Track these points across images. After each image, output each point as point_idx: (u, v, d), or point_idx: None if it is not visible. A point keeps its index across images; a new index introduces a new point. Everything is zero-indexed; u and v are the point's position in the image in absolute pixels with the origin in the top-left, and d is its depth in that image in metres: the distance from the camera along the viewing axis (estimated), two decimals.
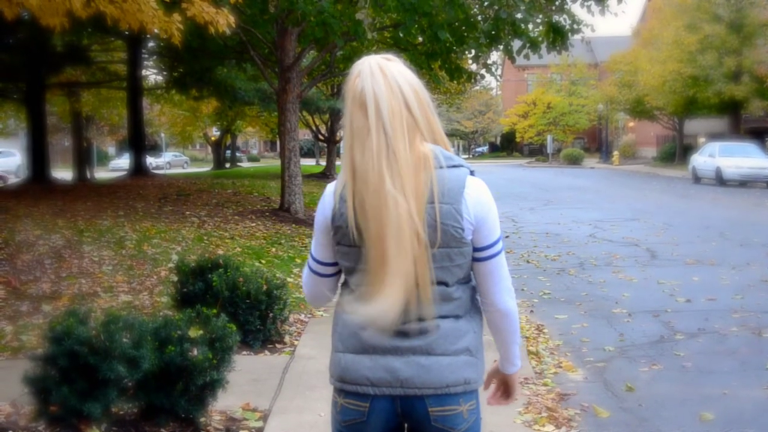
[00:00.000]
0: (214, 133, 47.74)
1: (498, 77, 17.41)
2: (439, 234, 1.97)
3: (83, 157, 30.08)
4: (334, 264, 2.15)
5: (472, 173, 2.06)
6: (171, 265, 8.40)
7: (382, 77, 1.99)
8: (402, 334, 2.03)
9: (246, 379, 5.28)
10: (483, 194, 2.04)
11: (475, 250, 2.04)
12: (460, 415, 2.05)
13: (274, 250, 10.61)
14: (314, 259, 2.17)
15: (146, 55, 25.50)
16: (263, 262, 9.50)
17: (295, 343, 6.38)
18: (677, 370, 5.92)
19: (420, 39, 14.19)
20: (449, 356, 2.04)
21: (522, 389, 5.36)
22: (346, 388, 2.09)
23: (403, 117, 1.97)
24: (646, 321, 7.46)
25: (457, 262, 2.02)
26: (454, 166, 2.02)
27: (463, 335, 2.06)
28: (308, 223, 13.94)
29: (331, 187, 2.10)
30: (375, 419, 2.08)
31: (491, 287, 2.09)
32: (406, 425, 2.13)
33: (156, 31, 6.72)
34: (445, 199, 1.97)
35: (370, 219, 1.95)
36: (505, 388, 2.35)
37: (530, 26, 13.43)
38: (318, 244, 2.14)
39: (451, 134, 79.73)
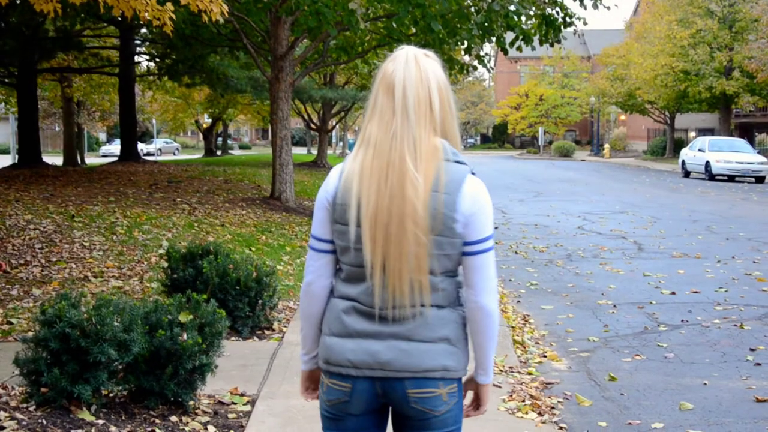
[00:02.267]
0: (206, 120, 47.64)
1: (490, 69, 17.46)
2: (438, 222, 2.06)
3: (74, 143, 29.97)
4: (331, 241, 2.20)
5: (473, 174, 2.15)
6: (161, 251, 8.45)
7: (415, 66, 2.11)
8: (384, 319, 2.11)
9: (234, 364, 5.35)
10: (479, 191, 2.11)
11: (466, 243, 2.10)
12: (438, 397, 2.12)
13: (264, 237, 10.66)
14: (313, 237, 2.24)
15: (139, 42, 25.43)
16: (253, 249, 9.56)
17: (284, 329, 6.45)
18: (660, 360, 6.02)
19: (413, 30, 14.22)
20: (428, 343, 2.11)
21: (507, 378, 5.45)
22: (330, 369, 2.18)
23: (427, 107, 2.10)
24: (631, 312, 7.57)
25: (446, 251, 2.09)
26: (458, 162, 2.12)
27: (445, 325, 2.13)
28: (298, 211, 13.99)
29: (338, 167, 2.20)
30: (357, 399, 2.17)
31: (477, 283, 2.13)
32: (391, 408, 2.21)
33: (149, 18, 6.73)
34: (446, 189, 2.06)
35: (385, 196, 2.05)
36: (476, 400, 2.32)
37: (523, 19, 13.49)
38: (317, 222, 2.22)
39: None
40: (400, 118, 2.07)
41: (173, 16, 6.85)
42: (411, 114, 2.07)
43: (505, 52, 14.09)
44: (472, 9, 13.28)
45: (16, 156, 25.15)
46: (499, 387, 5.19)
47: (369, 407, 2.19)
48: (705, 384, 5.42)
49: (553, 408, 4.93)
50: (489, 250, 2.12)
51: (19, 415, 3.83)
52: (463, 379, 2.24)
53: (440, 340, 2.12)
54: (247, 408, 4.57)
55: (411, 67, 2.11)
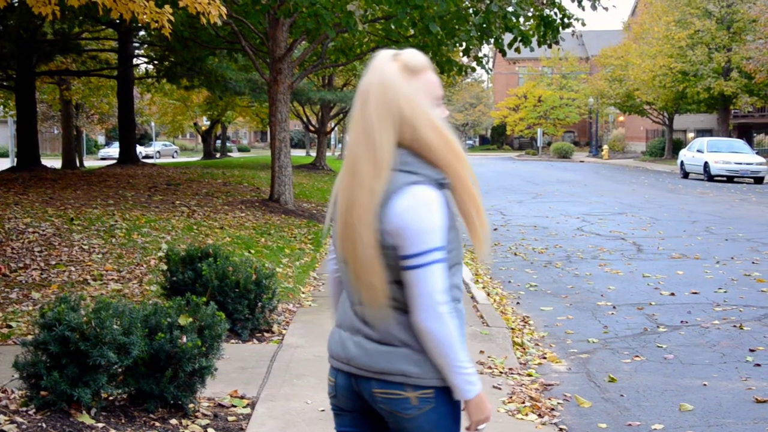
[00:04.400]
0: (205, 123, 47.63)
1: (489, 70, 17.47)
2: (376, 232, 2.05)
3: (73, 146, 29.96)
4: None
5: (441, 185, 2.06)
6: (160, 254, 8.45)
7: (381, 73, 2.08)
8: (358, 316, 2.15)
9: (234, 366, 5.35)
10: (413, 205, 2.01)
11: (399, 258, 2.04)
12: (407, 400, 2.08)
13: (263, 240, 10.66)
14: None
15: (137, 44, 25.43)
16: (252, 252, 9.56)
17: (283, 332, 6.45)
18: (659, 361, 6.02)
19: (411, 32, 14.22)
20: (388, 345, 2.08)
21: (506, 379, 5.45)
22: (328, 359, 2.26)
23: (390, 115, 2.05)
24: (631, 314, 7.57)
25: (386, 261, 2.06)
26: (406, 172, 2.05)
27: (405, 329, 2.08)
28: (297, 213, 13.99)
29: None
30: (341, 394, 2.20)
31: (409, 299, 2.05)
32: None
33: (147, 21, 6.73)
34: (380, 200, 2.04)
35: (348, 200, 2.08)
36: None
37: (521, 20, 13.49)
38: None
39: None
40: (362, 126, 2.06)
41: (171, 19, 6.86)
42: (373, 122, 2.04)
43: (504, 54, 14.09)
44: (471, 10, 13.29)
45: (15, 159, 25.14)
46: (499, 389, 5.19)
47: (356, 405, 2.19)
48: (705, 385, 5.42)
49: (553, 409, 4.93)
50: (419, 266, 2.00)
51: (18, 419, 3.83)
52: None
53: (402, 344, 2.07)
54: (247, 411, 4.56)
55: (376, 74, 2.08)
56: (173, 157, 56.57)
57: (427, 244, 2.01)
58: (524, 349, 6.40)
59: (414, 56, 2.11)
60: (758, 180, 27.68)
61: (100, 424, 3.91)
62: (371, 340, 2.11)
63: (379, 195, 2.02)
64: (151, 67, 26.78)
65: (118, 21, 14.89)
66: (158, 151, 53.61)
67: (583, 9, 14.32)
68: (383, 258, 2.04)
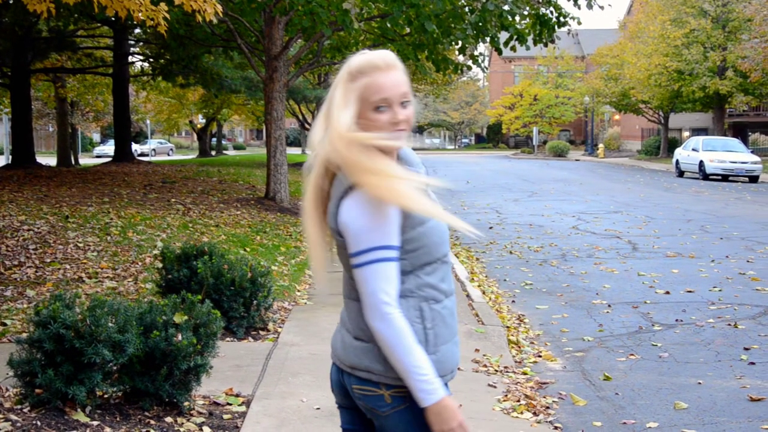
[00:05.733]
0: (200, 120, 47.59)
1: (484, 69, 17.48)
2: (329, 229, 2.11)
3: (68, 143, 29.91)
4: None
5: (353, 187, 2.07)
6: (156, 251, 8.44)
7: (338, 76, 2.12)
8: (345, 309, 2.18)
9: (229, 364, 5.35)
10: (354, 204, 2.01)
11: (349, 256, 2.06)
12: (381, 398, 2.06)
13: (258, 238, 10.65)
14: None
15: (132, 42, 25.40)
16: (248, 250, 9.55)
17: (279, 330, 6.44)
18: (654, 360, 6.03)
19: (407, 30, 14.22)
20: (359, 341, 2.08)
21: (502, 378, 5.46)
22: None
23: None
24: (626, 312, 7.58)
25: (341, 256, 2.11)
26: None
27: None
28: (293, 211, 13.98)
29: None
30: (335, 388, 2.22)
31: (360, 296, 2.05)
32: None
33: (143, 18, 6.73)
34: (333, 200, 2.08)
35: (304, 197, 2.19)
36: None
37: (517, 18, 13.51)
38: None
39: (437, 125, 79.95)
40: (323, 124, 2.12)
41: (167, 16, 6.85)
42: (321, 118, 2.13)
43: (499, 52, 14.10)
44: (466, 9, 13.29)
45: (10, 157, 25.09)
46: (494, 387, 5.19)
47: (348, 401, 2.18)
48: (699, 383, 5.43)
49: (548, 408, 4.94)
50: (361, 265, 1.99)
51: (13, 417, 3.82)
52: None
53: (369, 340, 2.05)
54: (242, 409, 4.56)
55: (337, 78, 2.12)
56: (169, 155, 56.49)
57: (367, 243, 1.99)
58: (519, 347, 6.41)
59: (361, 59, 2.07)
60: (753, 179, 27.74)
61: (95, 422, 3.91)
62: (349, 334, 2.12)
63: (309, 171, 2.11)
64: (146, 64, 26.78)
65: (113, 18, 14.86)
66: (154, 149, 53.62)
67: (579, 8, 14.34)
68: (344, 255, 2.08)
